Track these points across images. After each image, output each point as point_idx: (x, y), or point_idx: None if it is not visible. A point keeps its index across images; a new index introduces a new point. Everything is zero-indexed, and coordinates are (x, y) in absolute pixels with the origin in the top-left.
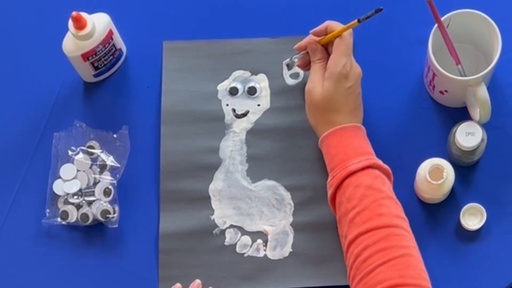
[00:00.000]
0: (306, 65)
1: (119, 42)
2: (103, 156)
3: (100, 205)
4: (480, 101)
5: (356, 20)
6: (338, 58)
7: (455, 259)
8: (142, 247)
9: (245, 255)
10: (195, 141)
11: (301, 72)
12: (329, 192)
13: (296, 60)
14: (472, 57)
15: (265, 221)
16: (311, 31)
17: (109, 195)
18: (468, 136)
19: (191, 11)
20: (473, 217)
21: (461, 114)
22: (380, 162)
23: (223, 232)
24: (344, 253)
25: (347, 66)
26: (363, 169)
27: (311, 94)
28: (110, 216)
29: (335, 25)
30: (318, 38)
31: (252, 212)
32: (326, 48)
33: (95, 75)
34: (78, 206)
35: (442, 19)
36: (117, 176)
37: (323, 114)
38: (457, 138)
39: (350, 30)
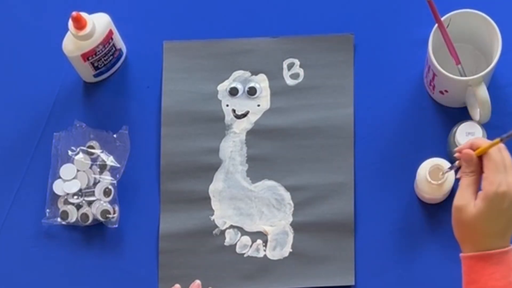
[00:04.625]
0: None
1: (119, 42)
2: (103, 156)
3: (100, 205)
4: (480, 101)
5: (498, 139)
6: (492, 176)
7: (456, 259)
8: (142, 248)
9: (245, 255)
10: (195, 142)
11: (301, 72)
12: None
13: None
14: (472, 57)
15: (265, 221)
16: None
17: (109, 195)
18: (468, 136)
19: (191, 11)
20: None
21: (461, 114)
22: None
23: (223, 232)
24: None
25: (502, 185)
26: None
27: (461, 212)
28: (110, 216)
29: (480, 141)
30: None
31: (252, 213)
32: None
33: (95, 75)
34: (78, 206)
35: (442, 19)
36: (117, 176)
37: (471, 234)
38: (457, 138)
39: (498, 145)
